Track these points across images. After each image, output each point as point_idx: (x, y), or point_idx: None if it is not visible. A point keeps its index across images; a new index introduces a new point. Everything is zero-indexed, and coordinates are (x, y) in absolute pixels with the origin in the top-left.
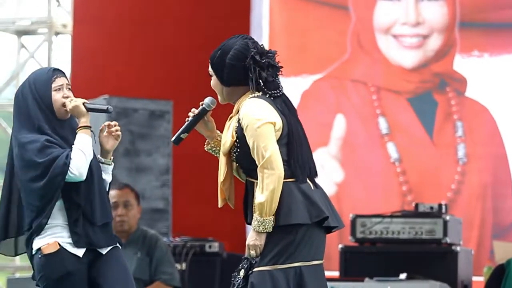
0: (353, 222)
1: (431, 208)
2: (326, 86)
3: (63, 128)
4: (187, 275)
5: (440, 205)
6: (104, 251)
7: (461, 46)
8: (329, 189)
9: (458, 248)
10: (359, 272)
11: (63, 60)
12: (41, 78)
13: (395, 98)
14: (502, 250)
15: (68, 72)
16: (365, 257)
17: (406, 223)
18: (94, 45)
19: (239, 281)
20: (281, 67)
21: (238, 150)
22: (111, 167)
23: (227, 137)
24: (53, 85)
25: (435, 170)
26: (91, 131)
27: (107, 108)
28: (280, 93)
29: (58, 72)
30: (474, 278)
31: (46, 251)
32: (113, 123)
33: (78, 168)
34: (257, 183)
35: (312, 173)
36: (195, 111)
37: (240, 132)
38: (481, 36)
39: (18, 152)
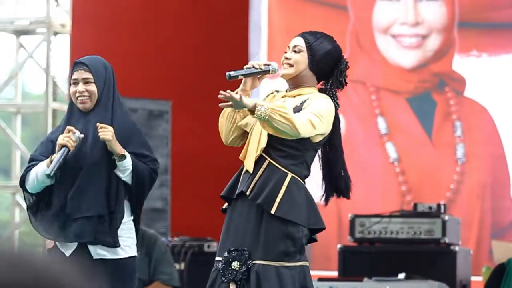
0: (352, 222)
1: (430, 208)
2: None
3: (79, 121)
4: (185, 275)
5: (439, 205)
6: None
7: (460, 46)
8: None
9: (456, 248)
10: (358, 272)
11: (62, 60)
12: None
13: (394, 98)
14: (501, 250)
15: (66, 72)
16: (364, 257)
17: (404, 223)
18: (93, 45)
19: (235, 273)
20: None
21: None
22: (121, 163)
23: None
24: (71, 79)
25: (434, 170)
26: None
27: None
28: (338, 107)
29: (78, 65)
30: (473, 278)
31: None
32: (98, 125)
33: (28, 186)
34: (276, 167)
35: None
36: (260, 64)
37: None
38: (480, 36)
39: None
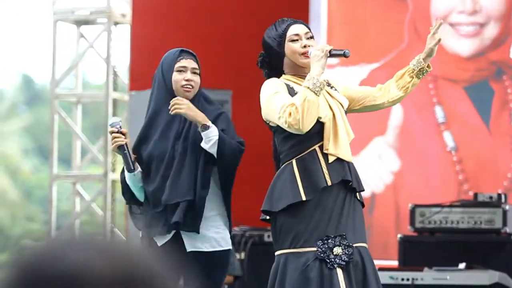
0: (412, 212)
1: (490, 197)
2: (383, 75)
3: (170, 114)
4: (246, 265)
5: (499, 195)
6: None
7: None
8: (386, 178)
9: None
10: (418, 262)
11: (122, 49)
12: (168, 58)
13: (451, 86)
14: None
15: (127, 62)
16: (424, 246)
17: (465, 213)
18: (153, 34)
19: (340, 258)
20: None
21: (345, 110)
22: (205, 133)
23: (341, 97)
24: (176, 65)
25: (491, 158)
26: None
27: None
28: None
29: (185, 53)
30: None
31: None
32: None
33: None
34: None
35: None
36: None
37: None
38: None
39: None
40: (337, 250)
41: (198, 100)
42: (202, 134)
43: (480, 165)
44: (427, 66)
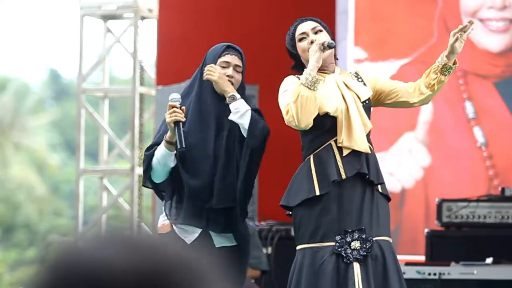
0: (439, 206)
1: None
2: (413, 70)
3: (215, 104)
4: (272, 259)
5: None
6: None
7: None
8: (416, 173)
9: None
10: (445, 256)
11: (149, 44)
12: (213, 51)
13: (481, 82)
14: None
15: (153, 57)
16: (451, 241)
17: (492, 207)
18: (180, 29)
19: (357, 252)
20: None
21: (367, 102)
22: (233, 105)
23: (362, 89)
24: (219, 60)
25: None
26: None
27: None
28: None
29: (231, 49)
30: None
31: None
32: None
33: (154, 175)
34: (371, 147)
35: None
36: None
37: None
38: None
39: None
40: (355, 244)
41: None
42: (230, 105)
43: (510, 161)
44: (453, 63)
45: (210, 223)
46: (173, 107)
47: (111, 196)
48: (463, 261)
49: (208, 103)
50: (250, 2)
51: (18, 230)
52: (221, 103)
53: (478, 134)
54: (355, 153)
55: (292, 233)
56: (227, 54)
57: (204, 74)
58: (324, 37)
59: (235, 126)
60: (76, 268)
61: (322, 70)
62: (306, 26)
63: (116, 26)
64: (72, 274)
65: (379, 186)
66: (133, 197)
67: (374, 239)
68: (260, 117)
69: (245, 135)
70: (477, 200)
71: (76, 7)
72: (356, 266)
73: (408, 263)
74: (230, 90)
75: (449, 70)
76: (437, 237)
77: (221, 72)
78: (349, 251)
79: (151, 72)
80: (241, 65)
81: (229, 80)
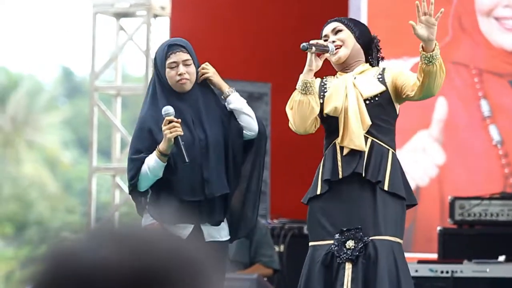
0: (452, 204)
1: None
2: None
3: (182, 100)
4: (285, 257)
5: None
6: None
7: None
8: (431, 171)
9: None
10: (457, 254)
11: (161, 42)
12: (159, 55)
13: (497, 80)
14: None
15: None
16: (464, 239)
17: (505, 205)
18: (193, 27)
19: (351, 251)
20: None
21: (377, 99)
22: (229, 98)
23: (370, 86)
24: (167, 63)
25: None
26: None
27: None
28: None
29: (173, 47)
30: None
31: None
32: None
33: (141, 186)
34: (379, 144)
35: None
36: (324, 44)
37: (384, 84)
38: None
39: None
40: (350, 243)
41: (205, 89)
42: (231, 95)
43: None
44: (432, 50)
45: (203, 216)
46: (170, 122)
47: (124, 194)
48: (475, 259)
49: (176, 105)
50: (264, 0)
51: (30, 227)
52: (185, 98)
53: (494, 132)
54: (353, 152)
55: (305, 231)
56: (171, 53)
57: (200, 77)
58: (339, 37)
59: (214, 116)
60: (72, 266)
61: (344, 70)
62: (328, 28)
63: (129, 24)
64: (68, 272)
65: (385, 184)
66: None
67: (370, 238)
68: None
69: (244, 123)
70: (490, 198)
71: (89, 5)
72: (348, 266)
73: (420, 261)
74: (226, 84)
75: (428, 59)
76: (449, 235)
77: (213, 70)
78: (344, 250)
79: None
80: (189, 57)
81: (183, 78)
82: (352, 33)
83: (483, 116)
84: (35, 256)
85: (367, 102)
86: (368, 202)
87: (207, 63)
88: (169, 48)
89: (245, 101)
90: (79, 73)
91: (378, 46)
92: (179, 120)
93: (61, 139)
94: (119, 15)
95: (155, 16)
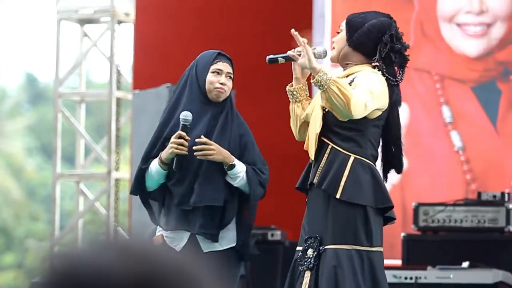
0: (416, 211)
1: (494, 196)
2: None
3: (206, 107)
4: (249, 263)
5: (503, 194)
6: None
7: None
8: (393, 178)
9: None
10: (421, 260)
11: (125, 48)
12: (204, 58)
13: (459, 86)
14: None
15: (130, 61)
16: (428, 245)
17: (468, 212)
18: (157, 33)
19: (310, 260)
20: (408, 60)
21: None
22: (231, 172)
23: None
24: (212, 67)
25: (499, 159)
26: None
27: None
28: (396, 83)
29: (223, 57)
30: None
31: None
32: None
33: (148, 184)
34: (338, 151)
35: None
36: (291, 53)
37: None
38: None
39: None
40: (310, 252)
41: (229, 106)
42: (229, 172)
43: (488, 165)
44: (310, 78)
45: (195, 226)
46: (180, 137)
47: (88, 201)
48: (439, 265)
49: (194, 113)
50: (227, 6)
51: None
52: (213, 107)
53: (456, 138)
54: (316, 159)
55: (269, 237)
56: (219, 61)
57: (199, 154)
58: (334, 39)
59: (226, 135)
60: (73, 275)
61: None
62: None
63: (93, 30)
64: (70, 281)
65: (338, 192)
66: (110, 201)
67: (326, 247)
68: (253, 146)
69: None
70: (454, 204)
71: (53, 11)
72: (307, 275)
73: (384, 267)
74: (228, 161)
75: (319, 85)
76: (413, 241)
77: (216, 147)
78: (306, 258)
79: (127, 77)
80: (231, 72)
81: (222, 88)
82: (346, 35)
83: (445, 122)
84: (33, 267)
85: (326, 109)
86: (323, 211)
87: (208, 141)
88: (218, 55)
89: (242, 175)
90: (43, 79)
91: (387, 45)
92: (189, 138)
93: (25, 145)
94: (83, 21)
95: (119, 22)
